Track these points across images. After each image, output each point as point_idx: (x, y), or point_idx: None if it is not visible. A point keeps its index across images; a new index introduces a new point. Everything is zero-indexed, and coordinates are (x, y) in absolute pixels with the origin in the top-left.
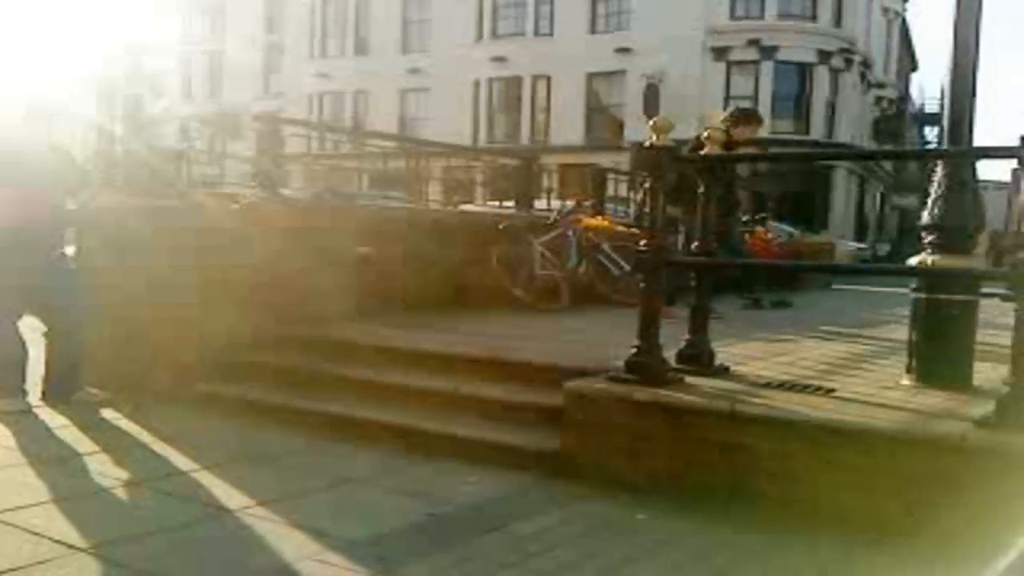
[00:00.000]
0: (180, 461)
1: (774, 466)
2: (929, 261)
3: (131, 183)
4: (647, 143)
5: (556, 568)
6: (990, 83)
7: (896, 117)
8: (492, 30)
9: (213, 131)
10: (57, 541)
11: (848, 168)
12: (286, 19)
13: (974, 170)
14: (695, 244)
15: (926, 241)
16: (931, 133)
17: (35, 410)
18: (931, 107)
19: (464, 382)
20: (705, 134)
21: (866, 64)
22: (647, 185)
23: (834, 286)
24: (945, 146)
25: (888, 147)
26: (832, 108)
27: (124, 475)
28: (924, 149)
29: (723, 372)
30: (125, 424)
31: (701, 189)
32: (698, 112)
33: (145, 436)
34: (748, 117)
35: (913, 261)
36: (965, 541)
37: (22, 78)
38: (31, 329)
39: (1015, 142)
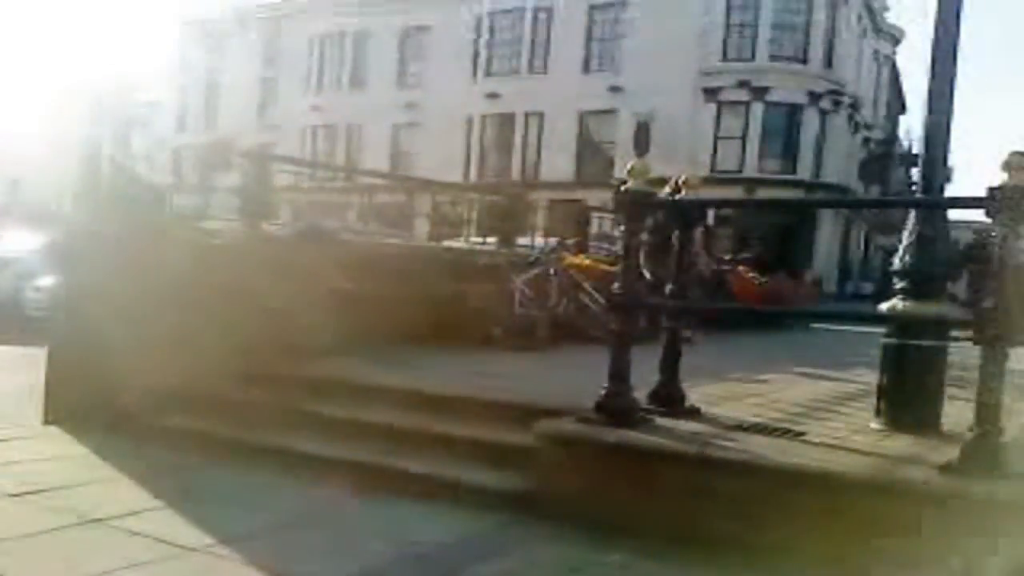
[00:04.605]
0: (146, 498)
1: (742, 510)
2: (899, 307)
3: (114, 211)
4: (623, 187)
5: None
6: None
7: (883, 158)
8: (486, 68)
9: (202, 162)
10: None
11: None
12: (283, 53)
13: (945, 217)
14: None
15: (897, 287)
16: (917, 174)
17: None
18: (918, 148)
19: (436, 420)
20: (682, 179)
21: (855, 106)
22: (622, 227)
23: (812, 325)
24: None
25: (875, 187)
26: (820, 149)
27: (85, 511)
28: (895, 198)
29: (694, 413)
30: (92, 458)
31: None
32: (688, 150)
33: (108, 471)
34: None
35: (884, 306)
36: None
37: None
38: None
39: None
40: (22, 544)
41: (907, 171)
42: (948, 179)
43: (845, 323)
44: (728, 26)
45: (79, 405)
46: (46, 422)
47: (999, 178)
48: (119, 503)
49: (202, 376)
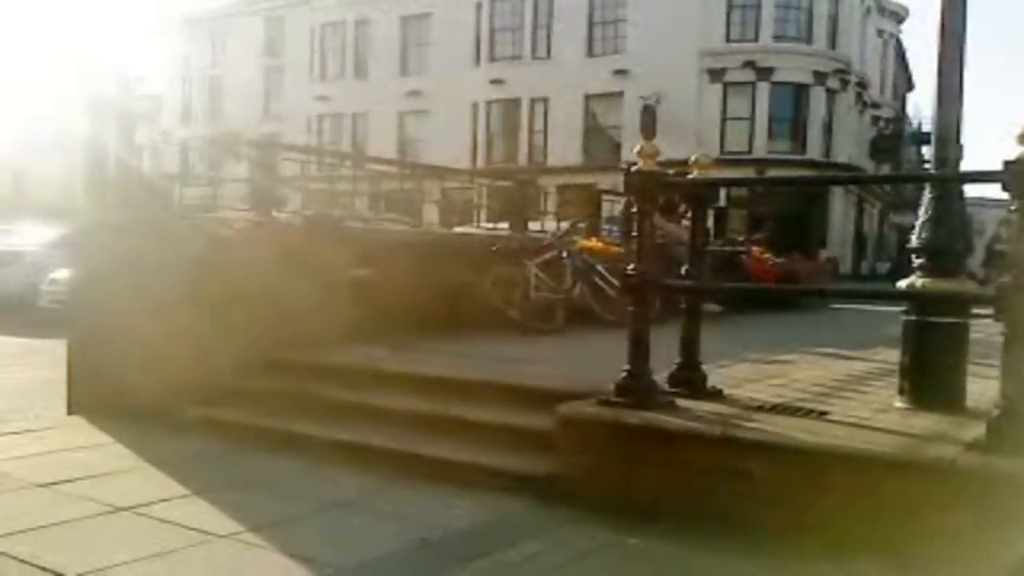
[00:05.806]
0: (172, 486)
1: (766, 491)
2: (918, 284)
3: (123, 204)
4: (633, 168)
5: None
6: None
7: (893, 136)
8: (490, 53)
9: (210, 153)
10: (45, 569)
11: (845, 187)
12: (286, 42)
13: (961, 193)
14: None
15: (915, 264)
16: (928, 152)
17: (44, 431)
18: (928, 126)
19: (456, 405)
20: (692, 159)
21: (862, 85)
22: (634, 209)
23: (832, 305)
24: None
25: (886, 166)
26: (829, 128)
27: (114, 500)
28: (911, 174)
29: (716, 395)
30: (117, 448)
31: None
32: (696, 132)
33: (134, 460)
34: None
35: (903, 284)
36: (958, 563)
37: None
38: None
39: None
40: (53, 533)
41: (918, 149)
42: (960, 156)
43: (863, 301)
44: (731, 6)
45: (101, 396)
46: (70, 412)
47: (1015, 151)
48: (147, 492)
49: (221, 365)
